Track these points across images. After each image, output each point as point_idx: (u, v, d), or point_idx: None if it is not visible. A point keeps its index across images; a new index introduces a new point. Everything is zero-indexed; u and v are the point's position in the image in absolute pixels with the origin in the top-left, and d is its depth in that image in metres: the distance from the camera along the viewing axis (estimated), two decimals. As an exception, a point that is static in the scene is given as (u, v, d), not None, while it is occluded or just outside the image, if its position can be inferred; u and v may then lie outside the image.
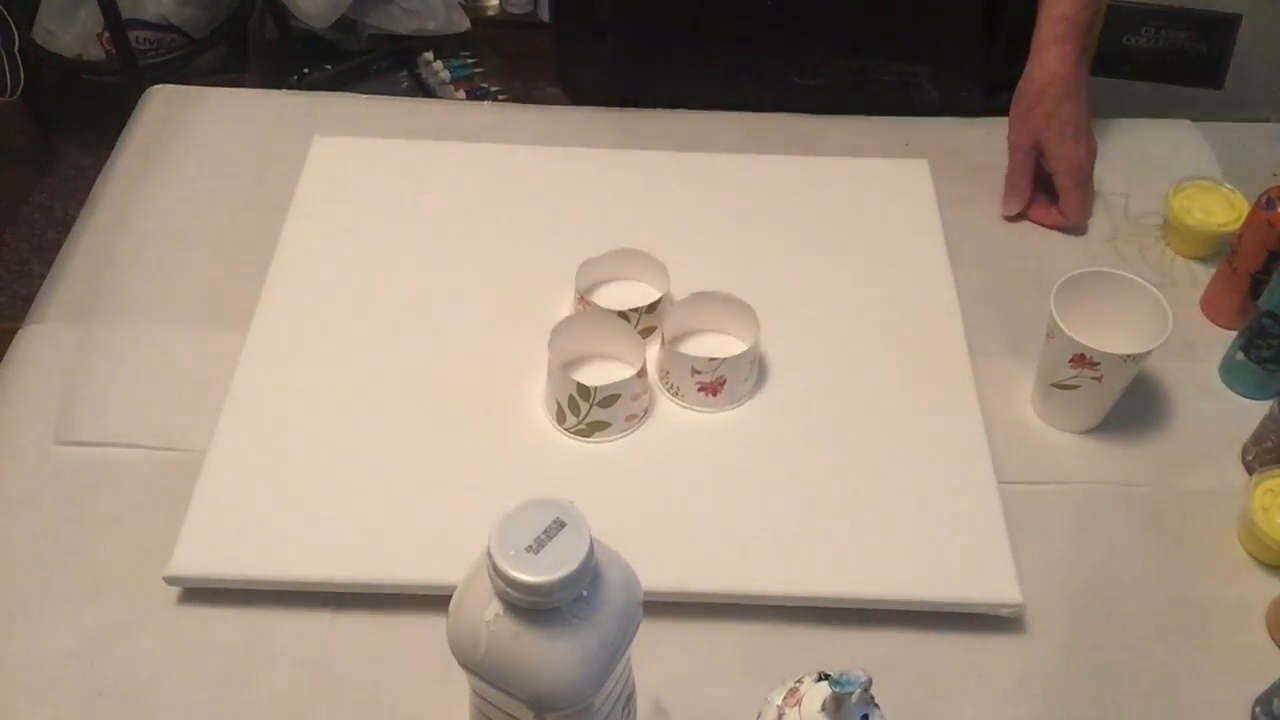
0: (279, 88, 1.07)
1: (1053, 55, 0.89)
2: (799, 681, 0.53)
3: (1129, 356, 0.73)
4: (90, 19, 1.96)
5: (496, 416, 0.78)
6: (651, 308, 0.81)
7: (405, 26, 2.06)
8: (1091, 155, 0.91)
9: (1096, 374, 0.74)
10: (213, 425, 0.76)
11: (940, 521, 0.72)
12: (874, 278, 0.88)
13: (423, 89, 2.11)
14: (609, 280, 0.85)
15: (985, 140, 1.00)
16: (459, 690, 0.55)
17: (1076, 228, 0.94)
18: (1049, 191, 0.94)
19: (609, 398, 0.74)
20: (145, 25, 1.96)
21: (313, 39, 2.09)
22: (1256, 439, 0.77)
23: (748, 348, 0.77)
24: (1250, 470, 0.77)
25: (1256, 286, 0.83)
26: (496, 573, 0.45)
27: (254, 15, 2.09)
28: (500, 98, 2.09)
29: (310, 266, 0.87)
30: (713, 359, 0.76)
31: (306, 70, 2.09)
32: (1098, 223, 0.95)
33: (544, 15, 2.28)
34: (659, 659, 0.62)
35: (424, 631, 0.67)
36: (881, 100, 1.04)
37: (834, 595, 0.69)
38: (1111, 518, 0.75)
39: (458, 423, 0.77)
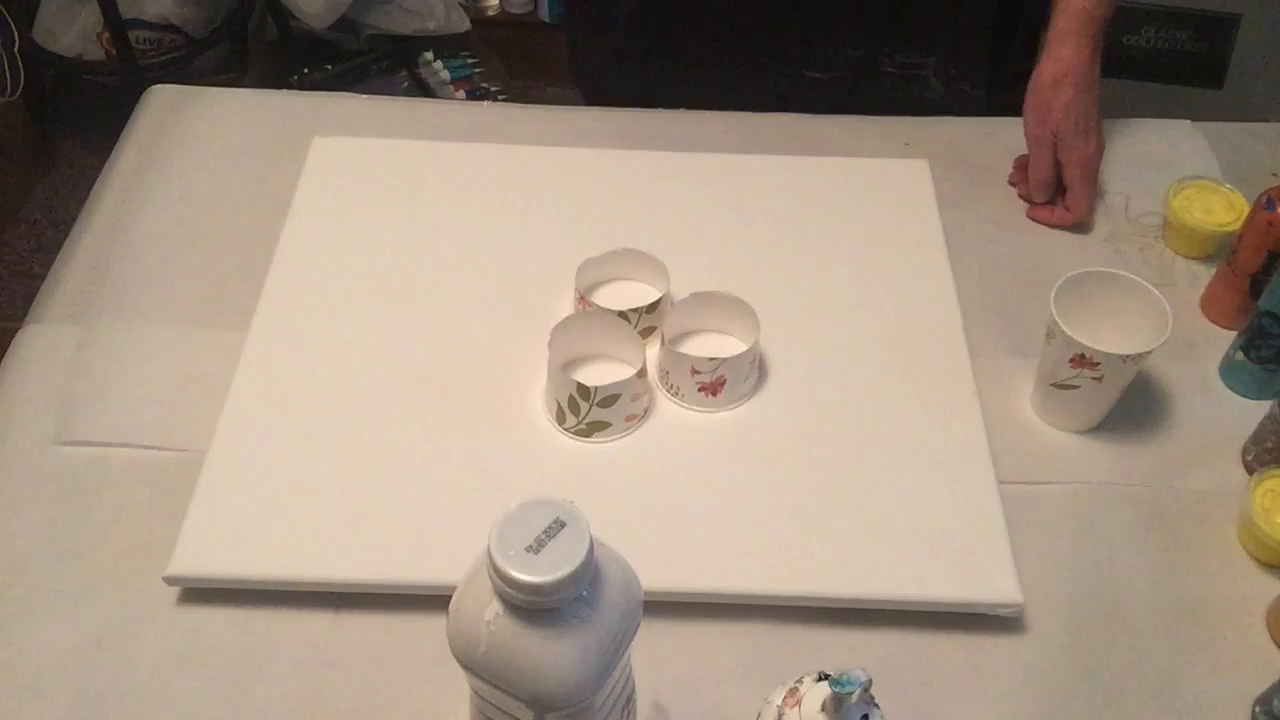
0: (279, 88, 1.07)
1: (1069, 48, 0.89)
2: (799, 681, 0.53)
3: (1129, 356, 0.73)
4: (90, 19, 1.96)
5: (496, 416, 0.78)
6: (651, 308, 0.81)
7: (405, 26, 2.06)
8: (1101, 151, 0.92)
9: (1096, 374, 0.74)
10: (213, 425, 0.76)
11: (940, 521, 0.72)
12: (874, 278, 0.88)
13: (423, 89, 2.11)
14: (609, 280, 0.85)
15: (986, 140, 1.00)
16: (459, 690, 0.55)
17: (1078, 226, 0.94)
18: None
19: (609, 398, 0.74)
20: (145, 25, 1.96)
21: (313, 39, 2.09)
22: (1256, 439, 0.77)
23: (748, 348, 0.77)
24: (1250, 470, 0.77)
25: (1256, 287, 0.83)
26: (496, 573, 0.45)
27: (254, 15, 2.09)
28: (500, 98, 2.09)
29: (310, 266, 0.87)
30: (713, 359, 0.76)
31: (306, 70, 2.09)
32: (1098, 223, 0.95)
33: (544, 15, 2.28)
34: (659, 659, 0.62)
35: (424, 631, 0.67)
36: (885, 93, 1.04)
37: (834, 595, 0.69)
38: (1111, 518, 0.75)
39: (458, 423, 0.77)
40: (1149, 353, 0.73)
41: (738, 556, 0.70)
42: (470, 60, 2.16)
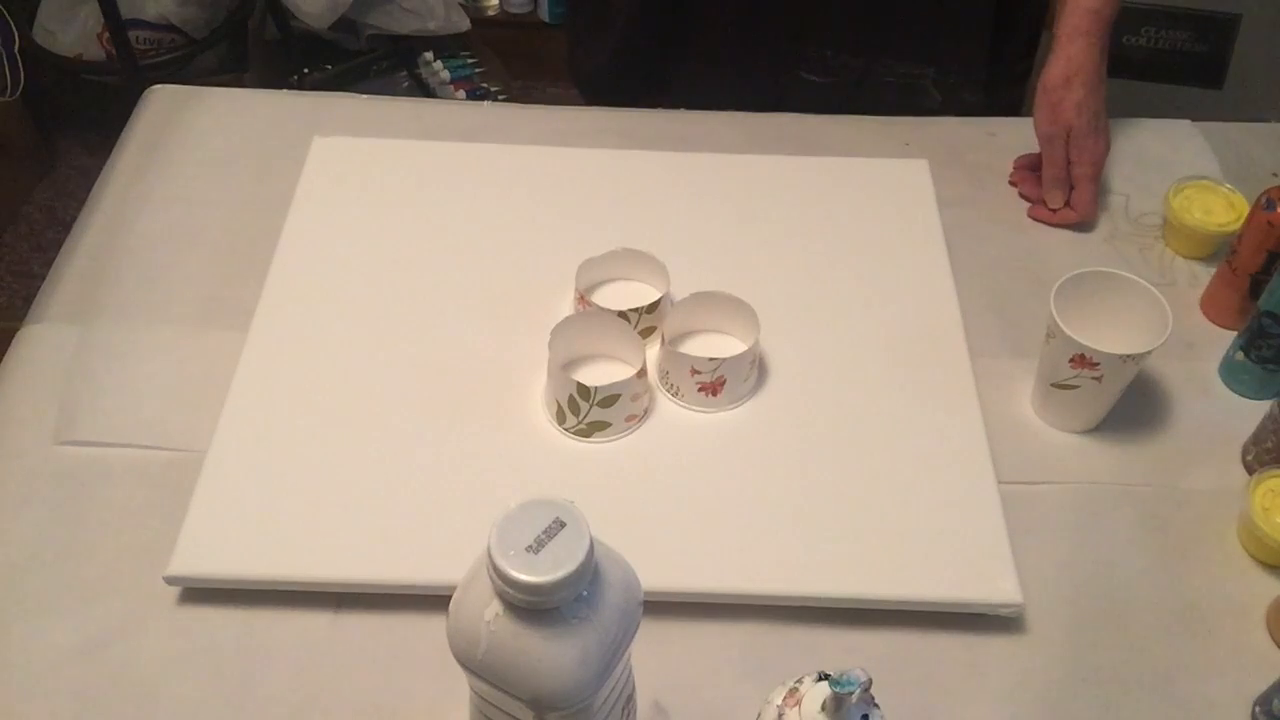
0: (279, 88, 1.07)
1: (1079, 47, 0.89)
2: (799, 681, 0.53)
3: (1129, 356, 0.73)
4: (90, 19, 1.95)
5: (496, 416, 0.78)
6: (651, 308, 0.81)
7: (405, 26, 2.06)
8: (1108, 149, 0.92)
9: (1096, 374, 0.74)
10: (213, 425, 0.76)
11: (940, 521, 0.72)
12: (874, 278, 0.88)
13: (423, 89, 2.11)
14: (609, 280, 0.85)
15: (985, 140, 1.00)
16: (459, 690, 0.55)
17: (1078, 226, 0.94)
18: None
19: (609, 398, 0.74)
20: (145, 25, 1.96)
21: (313, 39, 2.09)
22: (1256, 439, 0.77)
23: (748, 348, 0.77)
24: (1250, 470, 0.77)
25: (1256, 287, 0.83)
26: (496, 573, 0.45)
27: (254, 15, 2.09)
28: (500, 98, 2.09)
29: (310, 266, 0.87)
30: (713, 359, 0.76)
31: (306, 70, 2.09)
32: (1098, 223, 0.95)
33: (544, 15, 2.28)
34: (659, 659, 0.62)
35: (424, 631, 0.67)
36: (884, 100, 1.04)
37: (834, 595, 0.69)
38: (1111, 518, 0.75)
39: (458, 423, 0.77)
40: (1149, 353, 0.73)
41: (738, 556, 0.70)
42: (470, 60, 2.16)
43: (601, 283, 0.85)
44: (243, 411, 0.77)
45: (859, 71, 1.05)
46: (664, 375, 0.79)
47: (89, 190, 0.96)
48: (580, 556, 0.45)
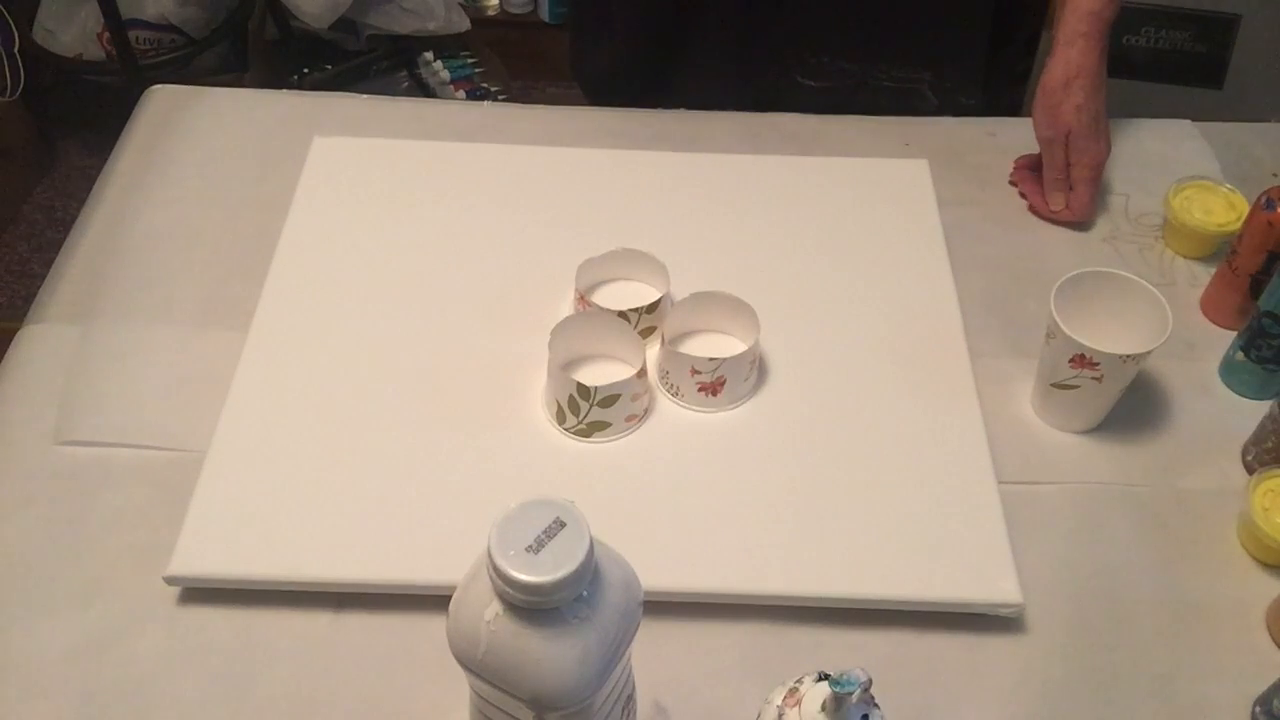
0: (279, 88, 1.07)
1: (1079, 49, 0.89)
2: (799, 681, 0.53)
3: (1129, 356, 0.73)
4: (90, 19, 1.96)
5: (496, 416, 0.78)
6: (651, 308, 0.81)
7: (405, 26, 2.06)
8: (1109, 152, 0.92)
9: (1096, 374, 0.74)
10: (213, 425, 0.76)
11: (940, 521, 0.72)
12: (874, 278, 0.88)
13: (423, 89, 2.11)
14: (609, 280, 0.85)
15: (985, 140, 1.00)
16: (459, 690, 0.55)
17: (1078, 226, 0.94)
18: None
19: (609, 398, 0.74)
20: (145, 25, 1.96)
21: (313, 39, 2.09)
22: (1256, 439, 0.77)
23: (748, 348, 0.77)
24: (1250, 470, 0.77)
25: (1256, 286, 0.83)
26: (496, 573, 0.45)
27: (254, 15, 2.09)
28: (500, 98, 2.09)
29: (310, 266, 0.87)
30: (713, 359, 0.76)
31: (306, 70, 2.09)
32: (1098, 223, 0.95)
33: (544, 15, 2.28)
34: (659, 659, 0.62)
35: (424, 631, 0.67)
36: (881, 105, 1.04)
37: (834, 595, 0.69)
38: (1111, 518, 0.75)
39: (457, 422, 0.77)
40: (1149, 353, 0.73)
41: (738, 556, 0.70)
42: (470, 60, 2.16)
43: (601, 283, 0.85)
44: (243, 411, 0.77)
45: (856, 77, 1.05)
46: (664, 375, 0.79)
47: (89, 190, 0.96)
48: (580, 556, 0.45)
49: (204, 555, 0.69)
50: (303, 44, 2.11)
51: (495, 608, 0.47)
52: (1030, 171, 0.96)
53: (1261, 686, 0.66)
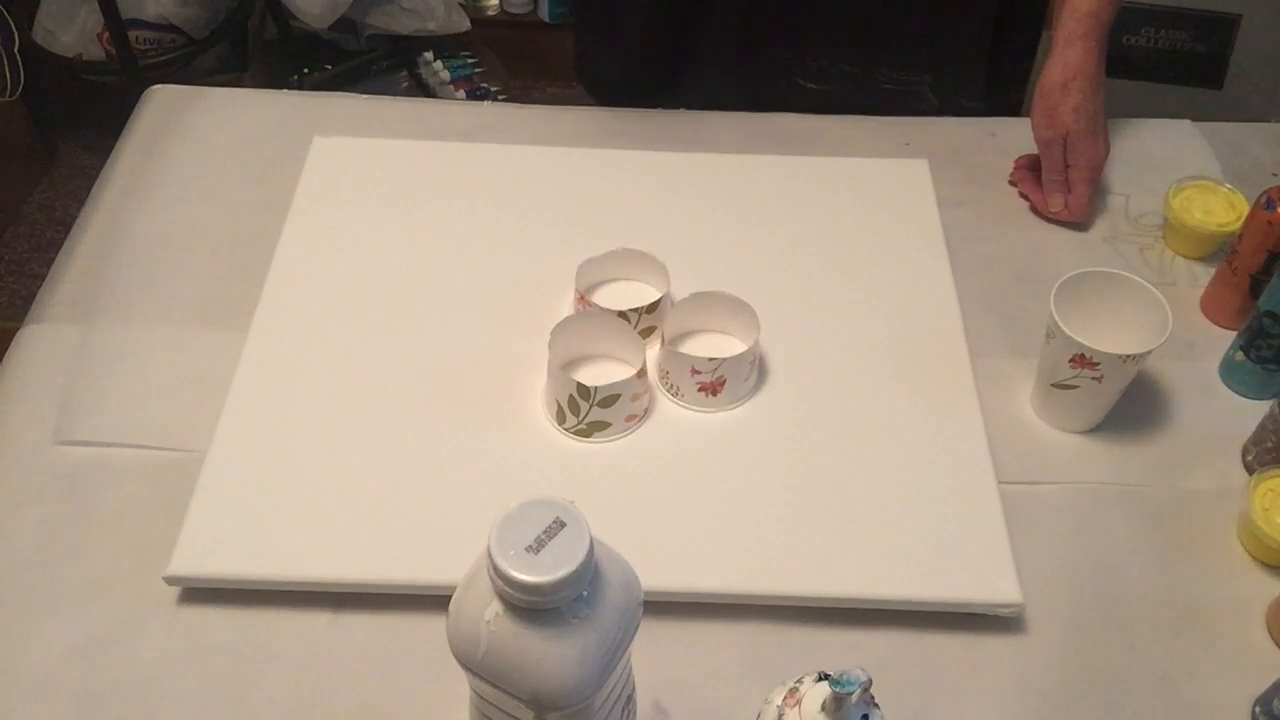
0: (279, 88, 1.07)
1: (1077, 50, 0.89)
2: (799, 681, 0.53)
3: (1129, 356, 0.73)
4: (90, 19, 1.95)
5: (496, 416, 0.78)
6: (651, 308, 0.81)
7: (405, 26, 2.06)
8: (1108, 152, 0.92)
9: (1096, 374, 0.74)
10: (213, 425, 0.76)
11: (940, 521, 0.72)
12: (874, 278, 0.88)
13: (423, 89, 2.10)
14: (609, 280, 0.85)
15: (985, 140, 1.01)
16: (459, 690, 0.55)
17: (1078, 226, 0.94)
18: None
19: (609, 398, 0.74)
20: (145, 25, 1.96)
21: (313, 39, 2.09)
22: (1256, 439, 0.77)
23: (748, 348, 0.77)
24: (1250, 470, 0.77)
25: (1256, 286, 0.83)
26: (496, 573, 0.45)
27: (254, 15, 2.09)
28: (500, 98, 2.09)
29: (310, 266, 0.87)
30: (713, 359, 0.76)
31: (306, 70, 2.09)
32: (1098, 223, 0.95)
33: (544, 15, 2.28)
34: (659, 659, 0.62)
35: (424, 631, 0.67)
36: (881, 108, 1.05)
37: (834, 595, 0.69)
38: (1111, 518, 0.75)
39: (457, 423, 0.77)
40: (1149, 353, 0.73)
41: (738, 556, 0.70)
42: (470, 60, 2.16)
43: (601, 283, 0.85)
44: (243, 411, 0.77)
45: (857, 79, 1.05)
46: (664, 375, 0.79)
47: (89, 190, 0.96)
48: (580, 556, 0.45)
49: (204, 555, 0.69)
50: (303, 44, 2.10)
51: (495, 608, 0.47)
52: (1030, 172, 0.96)
53: (1261, 686, 0.66)
